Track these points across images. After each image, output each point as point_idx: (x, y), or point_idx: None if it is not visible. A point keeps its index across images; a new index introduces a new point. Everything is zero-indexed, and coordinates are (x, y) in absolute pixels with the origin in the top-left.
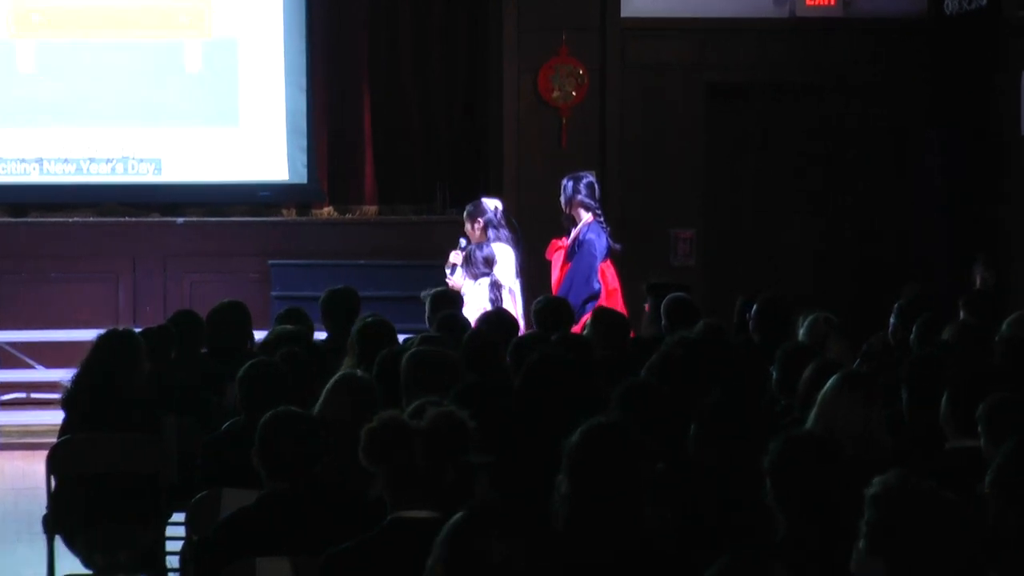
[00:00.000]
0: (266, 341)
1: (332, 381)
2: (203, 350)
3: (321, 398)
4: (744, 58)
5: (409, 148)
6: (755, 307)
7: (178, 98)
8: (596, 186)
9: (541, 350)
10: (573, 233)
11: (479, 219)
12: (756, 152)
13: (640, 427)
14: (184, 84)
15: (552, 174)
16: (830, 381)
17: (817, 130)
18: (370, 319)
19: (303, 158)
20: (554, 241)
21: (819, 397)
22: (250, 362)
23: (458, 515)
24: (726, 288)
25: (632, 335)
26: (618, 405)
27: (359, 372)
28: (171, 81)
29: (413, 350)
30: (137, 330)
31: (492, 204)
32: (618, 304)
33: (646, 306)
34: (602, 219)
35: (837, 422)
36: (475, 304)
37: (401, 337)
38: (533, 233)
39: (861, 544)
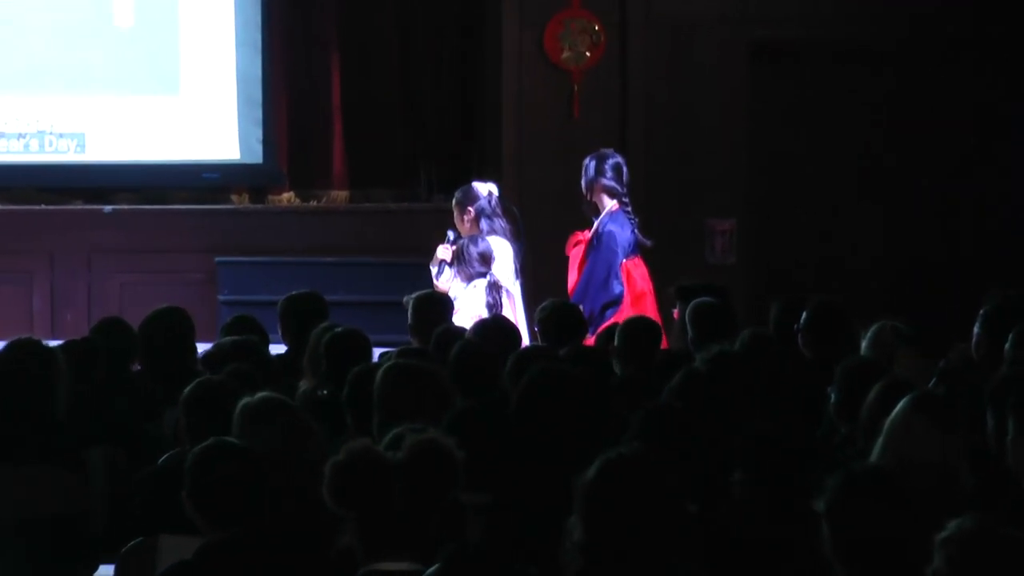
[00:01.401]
0: (209, 355)
1: (237, 414)
2: (136, 367)
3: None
4: (796, 11)
5: (388, 121)
6: (807, 315)
7: (105, 60)
8: (624, 168)
9: (542, 364)
10: (595, 225)
11: (469, 208)
12: (809, 127)
13: (665, 461)
14: (113, 42)
15: (560, 152)
16: (900, 404)
17: (883, 100)
18: (339, 329)
19: (258, 133)
20: (575, 234)
21: (887, 424)
22: (197, 382)
23: (434, 567)
24: (772, 291)
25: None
26: (637, 434)
27: (266, 393)
28: (97, 39)
29: (390, 364)
30: (55, 343)
31: (486, 189)
32: (647, 311)
33: (675, 313)
34: (629, 207)
35: (908, 453)
36: (469, 310)
37: (377, 351)
38: (536, 224)
39: None
